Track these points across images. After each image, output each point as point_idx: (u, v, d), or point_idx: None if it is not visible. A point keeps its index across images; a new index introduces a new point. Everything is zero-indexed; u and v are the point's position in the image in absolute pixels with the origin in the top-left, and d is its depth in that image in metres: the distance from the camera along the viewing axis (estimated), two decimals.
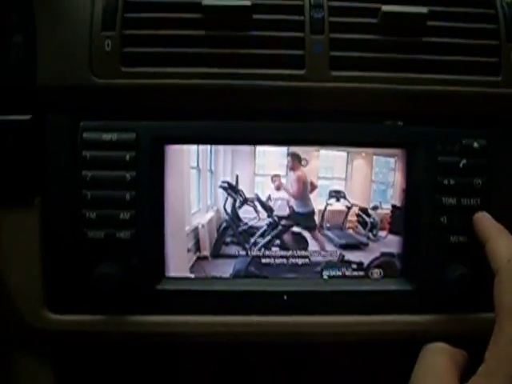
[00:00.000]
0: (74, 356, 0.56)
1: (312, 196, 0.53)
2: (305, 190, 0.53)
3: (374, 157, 0.53)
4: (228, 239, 0.52)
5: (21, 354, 0.54)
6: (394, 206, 0.53)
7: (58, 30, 0.49)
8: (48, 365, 0.55)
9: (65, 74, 0.49)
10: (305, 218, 0.53)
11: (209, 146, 0.51)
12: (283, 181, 0.52)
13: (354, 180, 0.53)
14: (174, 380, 0.58)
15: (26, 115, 0.50)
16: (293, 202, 0.53)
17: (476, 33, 0.51)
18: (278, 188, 0.52)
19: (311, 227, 0.53)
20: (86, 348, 0.56)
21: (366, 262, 0.53)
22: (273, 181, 0.52)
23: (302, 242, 0.53)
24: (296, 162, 0.52)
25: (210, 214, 0.52)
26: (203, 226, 0.52)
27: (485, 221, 0.50)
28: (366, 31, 0.50)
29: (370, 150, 0.53)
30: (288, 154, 0.52)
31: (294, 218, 0.53)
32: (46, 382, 0.55)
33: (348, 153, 0.52)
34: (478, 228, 0.49)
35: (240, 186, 0.52)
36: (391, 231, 0.53)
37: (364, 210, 0.53)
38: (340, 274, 0.53)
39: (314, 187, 0.53)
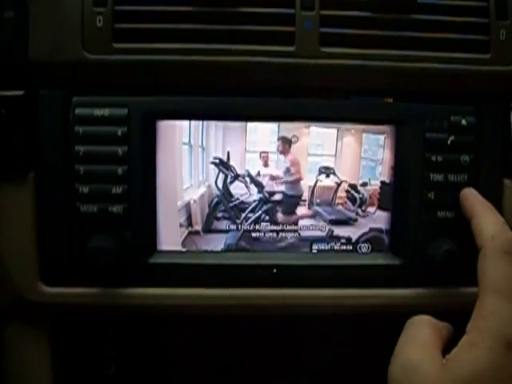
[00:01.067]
0: (70, 329, 0.57)
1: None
2: (293, 175, 0.53)
3: (364, 134, 0.53)
4: (219, 214, 0.53)
5: (17, 327, 0.55)
6: (382, 183, 0.54)
7: (49, 5, 0.49)
8: (44, 338, 0.56)
9: (57, 50, 0.49)
10: (293, 198, 0.54)
11: (200, 122, 0.52)
12: (272, 157, 0.53)
13: (343, 157, 0.53)
14: (166, 352, 0.59)
15: (18, 91, 0.50)
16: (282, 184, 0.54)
17: (466, 10, 0.52)
18: (265, 164, 0.53)
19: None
20: (81, 321, 0.57)
21: (354, 237, 0.54)
22: (261, 157, 0.53)
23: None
24: (286, 145, 0.53)
25: (202, 190, 0.53)
26: (195, 201, 0.53)
27: (471, 197, 0.50)
28: (356, 8, 0.50)
29: (360, 127, 0.53)
30: (278, 138, 0.52)
31: (284, 198, 0.54)
32: (42, 355, 0.56)
33: (338, 130, 0.53)
34: (465, 204, 0.50)
35: (231, 162, 0.53)
36: (380, 207, 0.54)
37: (353, 187, 0.54)
38: (329, 248, 0.54)
39: (300, 176, 0.54)
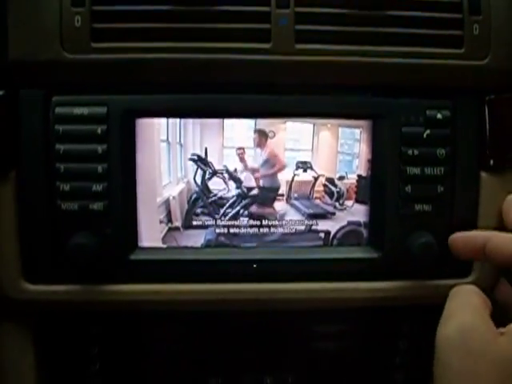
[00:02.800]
0: (54, 326, 0.58)
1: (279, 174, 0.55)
2: (272, 168, 0.54)
3: (340, 128, 0.54)
4: (198, 210, 0.54)
5: (0, 325, 0.56)
6: (359, 176, 0.55)
7: (27, 5, 0.50)
8: (28, 335, 0.56)
9: (36, 50, 0.50)
10: (271, 193, 0.54)
11: (178, 120, 0.52)
12: (249, 152, 0.54)
13: (320, 151, 0.54)
14: (150, 348, 0.60)
15: None
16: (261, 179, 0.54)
17: (439, 6, 0.52)
18: (241, 160, 0.54)
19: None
20: (64, 318, 0.57)
21: (333, 230, 0.55)
22: (237, 153, 0.53)
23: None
24: (263, 138, 0.53)
25: (181, 186, 0.54)
26: (174, 197, 0.54)
27: None
28: (330, 5, 0.51)
29: (336, 122, 0.54)
30: (255, 131, 0.53)
31: (261, 193, 0.55)
32: (26, 352, 0.57)
33: (314, 125, 0.54)
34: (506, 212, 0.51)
35: (209, 159, 0.53)
36: (357, 200, 0.55)
37: (330, 180, 0.55)
38: (307, 242, 0.54)
39: (281, 167, 0.54)
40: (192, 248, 0.54)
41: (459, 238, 0.50)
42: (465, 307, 0.43)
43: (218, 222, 0.54)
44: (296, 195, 0.55)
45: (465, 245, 0.49)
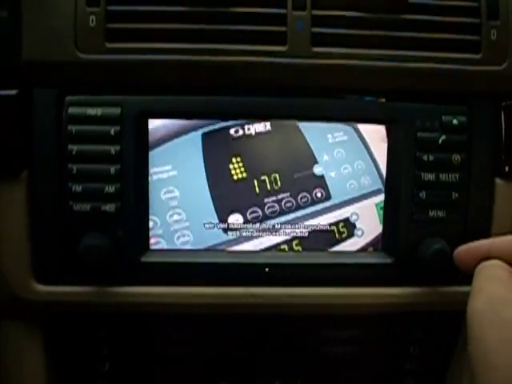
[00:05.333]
0: (64, 327, 0.58)
1: None
2: None
3: None
4: None
5: (10, 326, 0.56)
6: None
7: (42, 5, 0.50)
8: (38, 336, 0.56)
9: (50, 50, 0.50)
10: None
11: None
12: None
13: None
14: (159, 349, 0.59)
15: (12, 90, 0.50)
16: None
17: (457, 10, 0.52)
18: None
19: None
20: (74, 319, 0.57)
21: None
22: None
23: None
24: None
25: None
26: None
27: None
28: (347, 8, 0.51)
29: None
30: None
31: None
32: (36, 353, 0.57)
33: None
34: None
35: None
36: None
37: None
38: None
39: None
40: (204, 250, 0.53)
41: (461, 251, 0.49)
42: (492, 280, 0.42)
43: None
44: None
45: (469, 254, 0.48)
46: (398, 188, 0.53)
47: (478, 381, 0.38)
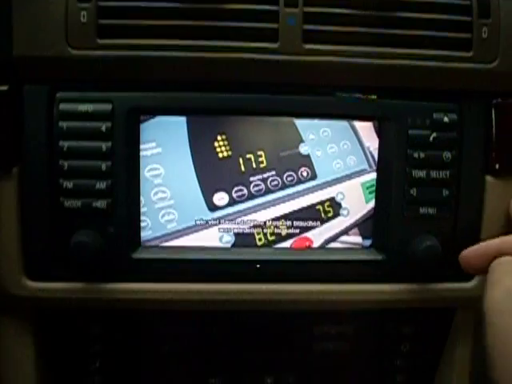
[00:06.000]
0: (55, 323, 0.57)
1: None
2: None
3: None
4: None
5: (1, 322, 0.55)
6: None
7: (33, 1, 0.49)
8: (29, 332, 0.56)
9: (41, 46, 0.49)
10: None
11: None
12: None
13: None
14: (151, 346, 0.59)
15: (2, 86, 0.50)
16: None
17: (448, 8, 0.52)
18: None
19: None
20: (66, 315, 0.57)
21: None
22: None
23: None
24: None
25: None
26: None
27: None
28: (339, 5, 0.51)
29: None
30: None
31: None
32: (27, 350, 0.56)
33: None
34: None
35: None
36: None
37: None
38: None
39: None
40: (195, 247, 0.53)
41: (469, 252, 0.49)
42: (509, 274, 0.44)
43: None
44: None
45: (478, 255, 0.49)
46: (389, 184, 0.53)
47: (495, 366, 0.40)
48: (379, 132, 0.53)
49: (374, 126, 0.53)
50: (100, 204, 0.51)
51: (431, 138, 0.52)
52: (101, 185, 0.50)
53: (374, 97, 0.53)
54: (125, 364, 0.60)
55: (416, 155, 0.52)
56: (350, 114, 0.53)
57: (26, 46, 0.49)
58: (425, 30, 0.52)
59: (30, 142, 0.51)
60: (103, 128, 0.50)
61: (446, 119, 0.52)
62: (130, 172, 0.51)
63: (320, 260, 0.53)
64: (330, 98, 0.52)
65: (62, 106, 0.50)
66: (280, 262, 0.53)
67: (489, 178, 0.54)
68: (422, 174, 0.52)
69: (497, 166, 0.54)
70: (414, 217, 0.53)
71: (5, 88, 0.50)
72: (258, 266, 0.53)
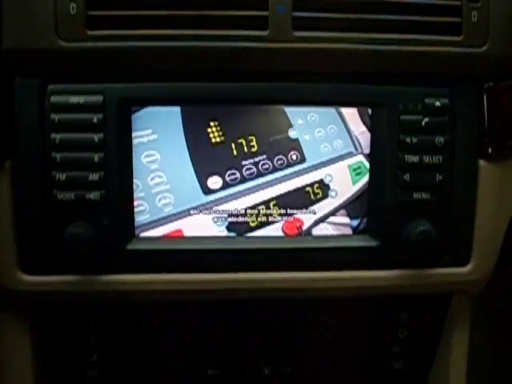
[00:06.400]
0: (51, 317, 0.57)
1: None
2: None
3: None
4: None
5: None
6: None
7: None
8: (25, 326, 0.56)
9: (31, 38, 0.49)
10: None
11: None
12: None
13: None
14: (147, 338, 0.59)
15: None
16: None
17: None
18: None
19: None
20: (61, 309, 0.57)
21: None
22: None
23: None
24: None
25: None
26: None
27: None
28: None
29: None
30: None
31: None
32: (23, 343, 0.56)
33: None
34: None
35: None
36: None
37: None
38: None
39: None
40: (188, 238, 0.53)
41: None
42: None
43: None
44: None
45: None
46: (382, 170, 0.53)
47: None
48: (371, 118, 0.53)
49: (359, 112, 0.54)
50: (93, 196, 0.51)
51: (423, 123, 0.52)
52: (94, 176, 0.50)
53: (365, 83, 0.53)
54: (122, 357, 0.59)
55: (408, 140, 0.52)
56: (343, 101, 0.53)
57: (16, 38, 0.49)
58: (414, 15, 0.52)
59: (22, 134, 0.51)
60: (95, 120, 0.50)
61: (437, 104, 0.52)
62: (123, 163, 0.51)
63: (314, 248, 0.54)
64: (321, 85, 0.52)
65: (54, 99, 0.50)
66: (273, 251, 0.53)
67: (482, 162, 0.54)
68: (414, 159, 0.52)
69: (489, 150, 0.54)
70: (408, 202, 0.53)
71: None
72: (252, 254, 0.53)
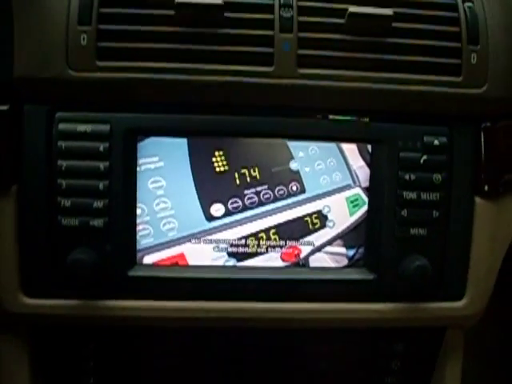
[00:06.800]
0: (50, 340, 0.58)
1: None
2: None
3: None
4: None
5: None
6: None
7: (34, 23, 0.50)
8: (24, 348, 0.57)
9: (41, 67, 0.50)
10: None
11: None
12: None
13: None
14: (145, 364, 0.60)
15: (3, 105, 0.51)
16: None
17: (439, 35, 0.54)
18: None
19: None
20: (61, 332, 0.58)
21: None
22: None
23: None
24: None
25: None
26: None
27: None
28: (333, 31, 0.52)
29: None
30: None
31: None
32: (21, 365, 0.57)
33: None
34: None
35: None
36: None
37: None
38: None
39: None
40: (189, 266, 0.54)
41: None
42: None
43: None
44: None
45: None
46: (381, 206, 0.54)
47: None
48: (371, 154, 0.55)
49: (358, 147, 0.55)
50: (97, 222, 0.51)
51: (422, 161, 0.53)
52: (98, 204, 0.51)
53: (366, 120, 0.54)
54: (119, 381, 0.60)
55: (407, 177, 0.53)
56: (343, 137, 0.54)
57: (27, 67, 0.51)
58: (416, 56, 0.53)
59: (28, 160, 0.52)
60: (101, 148, 0.51)
61: (436, 142, 0.54)
62: (127, 191, 0.52)
63: (312, 279, 0.54)
64: (324, 121, 0.54)
65: (61, 126, 0.52)
66: (274, 282, 0.54)
67: (478, 200, 0.55)
68: (412, 195, 0.53)
69: (486, 188, 0.55)
70: (405, 237, 0.54)
71: (5, 108, 0.51)
72: (251, 284, 0.54)
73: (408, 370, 0.62)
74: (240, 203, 0.55)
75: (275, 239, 0.55)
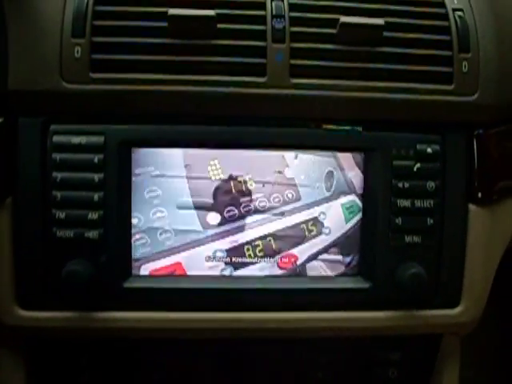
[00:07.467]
0: (45, 352, 0.58)
1: None
2: None
3: None
4: None
5: None
6: None
7: (28, 36, 0.51)
8: (19, 361, 0.57)
9: (35, 80, 0.51)
10: None
11: None
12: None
13: None
14: (140, 376, 0.60)
15: None
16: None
17: (430, 43, 0.54)
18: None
19: None
20: (56, 345, 0.57)
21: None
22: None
23: None
24: None
25: None
26: None
27: None
28: (325, 41, 0.53)
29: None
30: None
31: None
32: (16, 378, 0.57)
33: None
34: None
35: None
36: None
37: None
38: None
39: None
40: (184, 277, 0.54)
41: None
42: None
43: None
44: None
45: None
46: (375, 214, 0.54)
47: None
48: (364, 163, 0.55)
49: (353, 155, 0.55)
50: (92, 234, 0.51)
51: (415, 169, 0.54)
52: (93, 215, 0.51)
53: (359, 129, 0.54)
54: None
55: (401, 185, 0.54)
56: (337, 146, 0.55)
57: (22, 80, 0.51)
58: (408, 65, 0.54)
59: (23, 172, 0.52)
60: (95, 160, 0.51)
61: (429, 150, 0.54)
62: (122, 202, 0.52)
63: (307, 288, 0.54)
64: (317, 131, 0.54)
65: (56, 138, 0.52)
66: (267, 291, 0.54)
67: (472, 207, 0.56)
68: (406, 203, 0.54)
69: (479, 195, 0.56)
70: (400, 245, 0.54)
71: (0, 120, 0.51)
72: (247, 294, 0.54)
73: (405, 378, 0.62)
74: (236, 211, 0.55)
75: (272, 247, 0.55)
